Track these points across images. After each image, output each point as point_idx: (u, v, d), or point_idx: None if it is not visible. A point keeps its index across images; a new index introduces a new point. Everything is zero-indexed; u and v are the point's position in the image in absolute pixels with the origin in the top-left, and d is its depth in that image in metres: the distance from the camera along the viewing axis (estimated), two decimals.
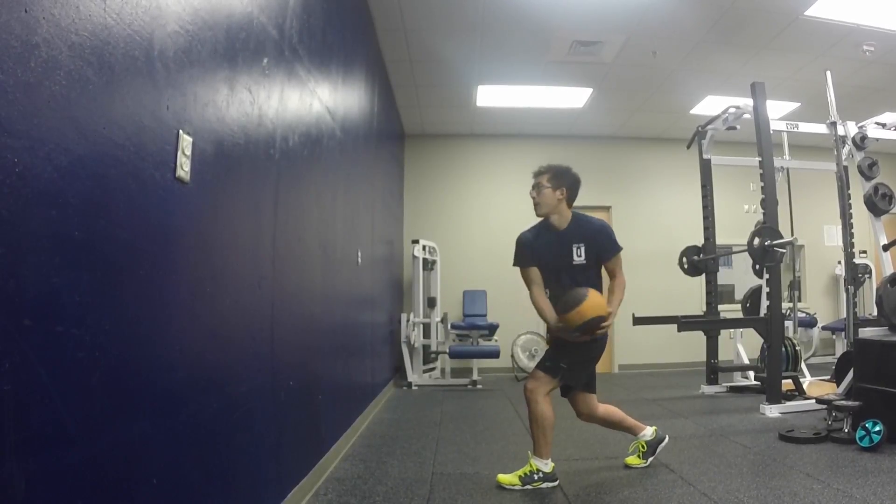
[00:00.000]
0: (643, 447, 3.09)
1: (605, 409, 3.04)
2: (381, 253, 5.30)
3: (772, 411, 4.33)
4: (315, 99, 2.84)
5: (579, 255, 2.85)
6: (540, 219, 2.96)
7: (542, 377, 2.84)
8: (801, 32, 4.74)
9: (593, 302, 2.69)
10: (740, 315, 6.02)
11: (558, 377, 2.83)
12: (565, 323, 2.72)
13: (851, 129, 4.71)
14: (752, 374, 5.61)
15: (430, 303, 6.56)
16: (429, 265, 6.83)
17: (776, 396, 4.42)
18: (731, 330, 5.80)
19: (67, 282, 1.08)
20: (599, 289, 2.85)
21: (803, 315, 6.65)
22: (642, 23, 4.66)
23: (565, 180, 2.88)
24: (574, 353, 2.83)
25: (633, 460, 3.09)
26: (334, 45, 3.28)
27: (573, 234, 2.87)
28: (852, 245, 4.56)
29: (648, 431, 3.12)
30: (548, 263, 2.89)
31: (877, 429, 3.25)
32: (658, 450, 3.13)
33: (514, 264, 2.96)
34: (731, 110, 5.17)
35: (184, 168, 1.49)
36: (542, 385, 2.82)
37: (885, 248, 4.42)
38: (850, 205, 4.55)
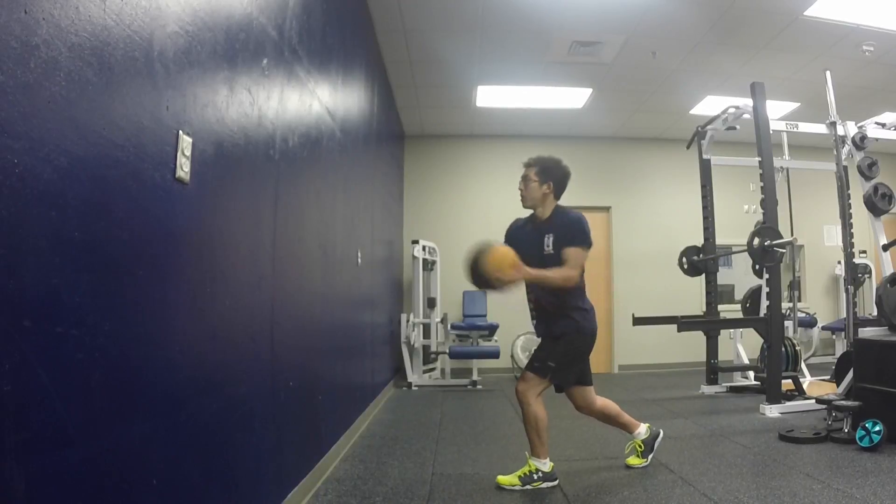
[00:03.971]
0: (640, 446, 3.09)
1: (603, 402, 3.04)
2: (380, 253, 5.30)
3: (772, 411, 4.33)
4: (315, 100, 2.84)
5: (548, 246, 2.83)
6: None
7: (532, 378, 2.83)
8: (800, 32, 4.74)
9: (496, 255, 2.66)
10: (740, 315, 6.02)
11: (548, 377, 2.83)
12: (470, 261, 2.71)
13: (851, 129, 4.71)
14: (752, 374, 5.61)
15: (430, 303, 6.56)
16: (429, 265, 6.83)
17: (776, 396, 4.42)
18: (731, 330, 5.80)
19: (67, 283, 1.08)
20: (567, 291, 2.80)
21: (803, 315, 6.64)
22: (642, 23, 4.66)
23: (553, 175, 2.89)
24: (561, 351, 2.83)
25: (633, 460, 3.09)
26: (334, 46, 3.28)
27: (548, 225, 2.88)
28: (852, 245, 4.55)
29: (643, 429, 3.12)
30: (522, 254, 2.85)
31: (877, 429, 3.25)
32: (655, 445, 3.13)
33: None
34: (731, 110, 5.18)
35: (184, 169, 1.49)
36: (533, 386, 2.82)
37: (885, 247, 4.42)
38: (849, 205, 4.55)
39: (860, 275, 6.21)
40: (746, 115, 4.94)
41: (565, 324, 2.83)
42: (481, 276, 2.67)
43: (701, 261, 5.75)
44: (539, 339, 2.98)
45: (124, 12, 1.23)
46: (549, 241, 2.83)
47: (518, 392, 2.85)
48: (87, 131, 1.13)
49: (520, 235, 2.94)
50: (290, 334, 2.46)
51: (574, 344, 2.84)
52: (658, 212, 7.63)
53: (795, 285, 6.32)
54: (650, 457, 3.10)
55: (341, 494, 2.70)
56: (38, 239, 1.00)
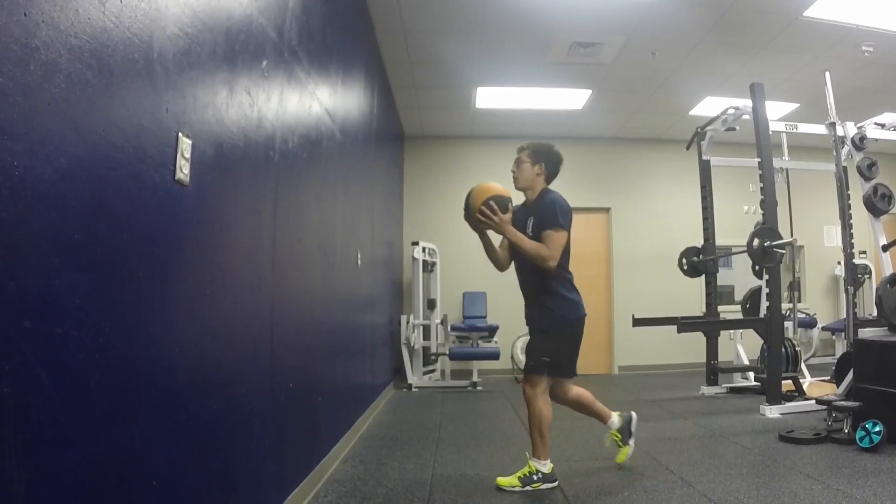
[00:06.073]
0: (617, 435, 3.10)
1: (578, 391, 3.04)
2: (380, 254, 5.30)
3: (772, 412, 4.33)
4: (314, 101, 2.84)
5: (529, 229, 2.86)
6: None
7: (532, 378, 2.86)
8: (800, 33, 4.75)
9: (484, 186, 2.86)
10: (740, 316, 6.01)
11: (544, 373, 2.84)
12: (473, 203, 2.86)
13: (850, 129, 4.71)
14: (751, 374, 5.61)
15: (430, 304, 6.56)
16: (428, 267, 6.83)
17: (776, 397, 4.42)
18: (731, 331, 5.80)
19: (67, 284, 1.08)
20: (545, 276, 2.83)
21: (803, 315, 6.64)
22: (641, 24, 4.67)
23: (544, 157, 2.94)
24: (552, 346, 2.84)
25: (620, 456, 3.11)
26: (334, 47, 3.29)
27: (532, 207, 2.92)
28: (852, 245, 4.56)
29: (615, 418, 3.12)
30: None
31: (877, 429, 3.25)
32: (632, 429, 3.14)
33: None
34: (731, 111, 5.18)
35: (183, 170, 1.50)
36: (535, 385, 2.84)
37: (885, 248, 4.42)
38: (849, 205, 4.56)
39: (860, 275, 6.21)
40: (746, 116, 4.94)
41: (547, 316, 2.84)
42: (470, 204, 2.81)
43: (701, 262, 5.75)
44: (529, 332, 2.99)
45: (124, 14, 1.23)
46: (530, 223, 2.86)
47: (525, 394, 2.86)
48: (86, 133, 1.13)
49: (514, 221, 2.92)
50: (289, 335, 2.46)
51: (564, 334, 2.86)
52: (658, 213, 7.64)
53: (795, 286, 6.33)
54: (632, 441, 3.12)
55: (341, 496, 2.70)
56: (38, 240, 1.01)
